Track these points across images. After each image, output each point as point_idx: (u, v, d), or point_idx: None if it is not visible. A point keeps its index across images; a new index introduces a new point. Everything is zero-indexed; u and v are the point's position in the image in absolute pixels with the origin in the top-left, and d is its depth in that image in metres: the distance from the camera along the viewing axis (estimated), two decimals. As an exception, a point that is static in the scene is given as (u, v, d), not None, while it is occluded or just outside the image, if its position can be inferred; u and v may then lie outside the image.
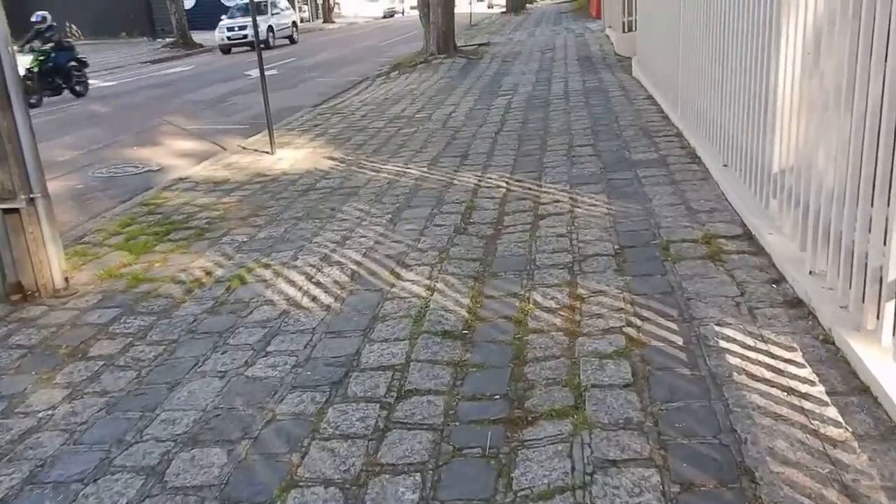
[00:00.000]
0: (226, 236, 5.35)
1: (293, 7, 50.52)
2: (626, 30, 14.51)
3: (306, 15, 53.48)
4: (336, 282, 4.25)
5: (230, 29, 27.12)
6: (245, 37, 26.12)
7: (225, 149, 9.18)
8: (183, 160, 8.80)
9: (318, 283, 4.25)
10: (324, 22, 50.95)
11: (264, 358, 3.44)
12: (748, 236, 4.26)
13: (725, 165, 5.36)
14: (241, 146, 8.90)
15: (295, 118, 10.70)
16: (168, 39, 32.15)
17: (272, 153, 8.16)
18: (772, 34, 4.07)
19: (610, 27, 17.65)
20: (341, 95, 13.26)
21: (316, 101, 12.63)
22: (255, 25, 8.45)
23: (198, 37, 34.35)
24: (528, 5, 41.54)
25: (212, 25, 42.16)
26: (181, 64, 23.75)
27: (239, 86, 15.92)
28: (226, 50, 27.18)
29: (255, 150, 8.48)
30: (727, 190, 5.00)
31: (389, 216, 5.37)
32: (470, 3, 31.38)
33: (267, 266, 4.63)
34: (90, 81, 16.71)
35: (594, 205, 5.14)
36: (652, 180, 5.57)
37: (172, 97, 14.75)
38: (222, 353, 3.54)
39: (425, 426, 2.76)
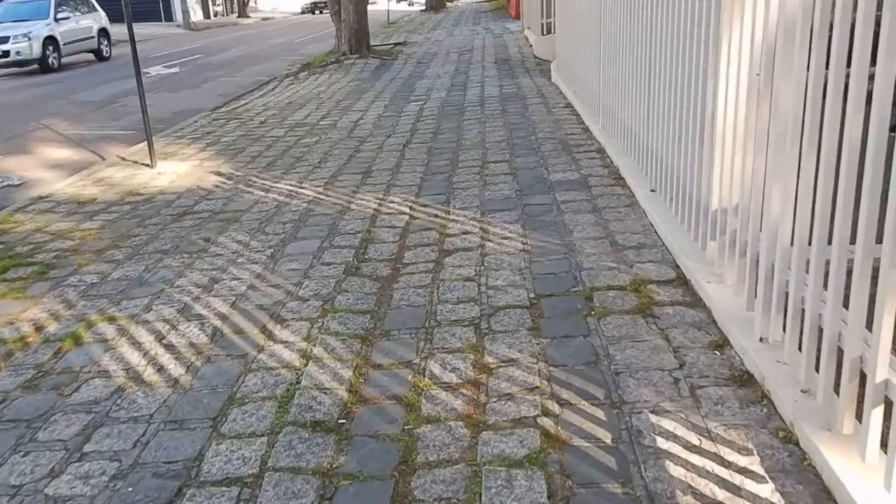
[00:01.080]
0: (73, 276, 4.47)
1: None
2: (544, 32, 14.04)
3: (220, 9, 51.60)
4: (192, 344, 3.45)
5: None
6: (6, 54, 17.22)
7: (104, 158, 8.19)
8: (52, 172, 7.77)
9: (168, 347, 3.45)
10: (238, 16, 49.20)
11: (77, 463, 2.63)
12: (682, 282, 3.66)
13: (653, 190, 4.79)
14: (121, 157, 7.92)
15: (188, 123, 9.74)
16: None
17: (153, 166, 7.24)
18: (708, 49, 3.48)
19: (529, 28, 17.17)
20: (245, 97, 12.32)
21: (216, 104, 11.66)
22: (129, 19, 7.46)
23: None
24: (447, 3, 41.00)
25: (113, 19, 40.28)
26: (77, 59, 22.12)
27: (134, 85, 14.69)
28: None
29: (136, 162, 7.54)
30: (656, 220, 4.41)
31: (271, 251, 4.58)
32: (388, 1, 30.59)
33: (112, 319, 3.79)
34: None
35: (507, 237, 4.48)
36: (572, 206, 4.95)
37: (58, 96, 13.48)
38: (24, 455, 2.71)
39: (270, 585, 2.02)
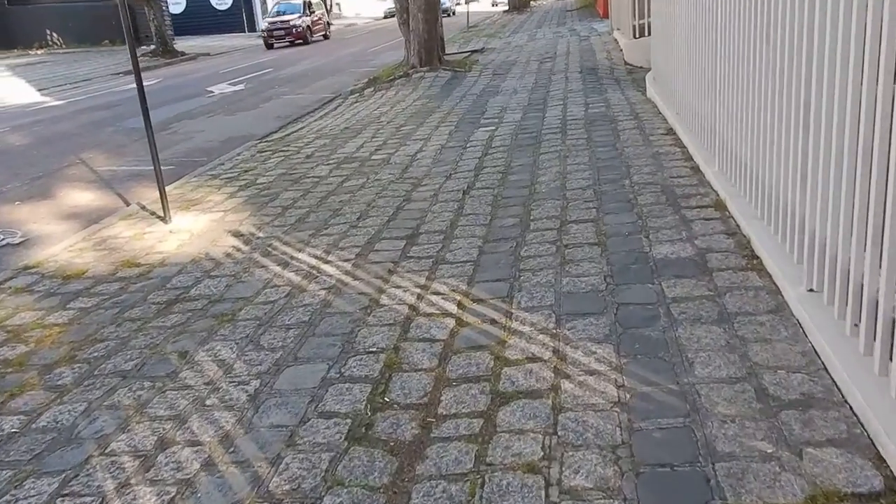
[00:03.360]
0: (-4, 415, 3.27)
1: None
2: (636, 34, 12.41)
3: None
4: None
5: None
6: None
7: (127, 204, 7.15)
8: (64, 225, 6.76)
9: None
10: (320, 23, 48.81)
11: None
12: (900, 503, 2.13)
13: (813, 291, 3.23)
14: (141, 205, 6.83)
15: (230, 157, 8.62)
16: (151, 47, 30.05)
17: (166, 221, 6.09)
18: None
19: (618, 30, 15.50)
20: (302, 119, 11.24)
21: (270, 129, 10.60)
22: (132, 47, 6.35)
23: (183, 44, 32.52)
24: (532, 3, 39.39)
25: (201, 31, 40.49)
26: (151, 76, 21.69)
27: (192, 107, 13.89)
28: None
29: (153, 214, 6.41)
30: (825, 350, 2.86)
31: (257, 383, 3.26)
32: (467, 3, 29.29)
33: (-3, 523, 2.54)
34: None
35: (594, 372, 3.02)
36: (688, 310, 3.43)
37: (109, 123, 12.71)
38: None
39: None
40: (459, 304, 3.80)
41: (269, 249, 5.08)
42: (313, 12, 30.77)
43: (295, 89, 15.38)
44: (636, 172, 5.77)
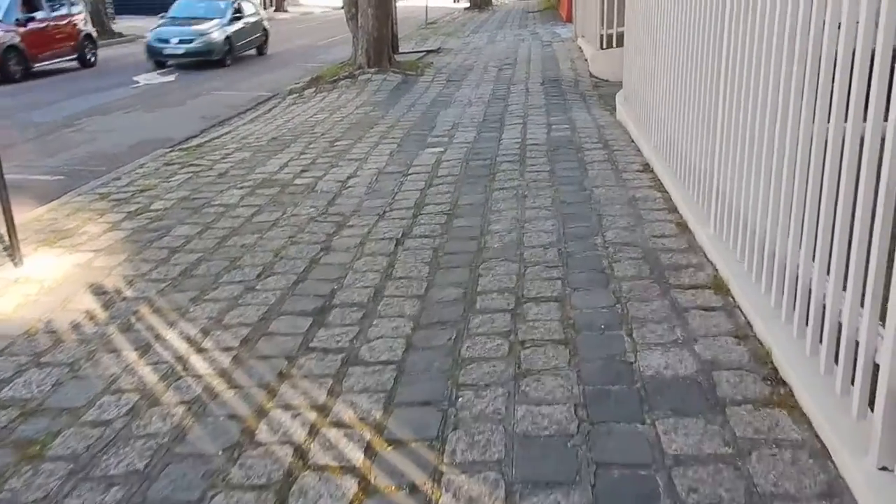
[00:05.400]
0: None
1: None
2: (604, 45, 11.40)
3: (257, 1, 49.57)
4: None
5: None
6: None
7: (-10, 229, 5.79)
8: None
9: None
10: (276, 10, 47.03)
11: None
12: None
13: (887, 469, 2.14)
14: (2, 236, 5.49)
15: (129, 170, 7.30)
16: (86, 26, 28.05)
17: (16, 264, 4.79)
18: None
19: (583, 37, 14.47)
20: (229, 122, 9.97)
21: (189, 133, 9.28)
22: None
23: (126, 23, 30.50)
24: (493, 2, 38.28)
25: (147, 10, 38.20)
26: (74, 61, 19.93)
27: (110, 99, 12.43)
28: None
29: (5, 251, 5.09)
30: None
31: None
32: (426, -1, 27.99)
33: None
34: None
35: None
36: (701, 490, 2.31)
37: (9, 114, 11.19)
38: None
39: None
40: (368, 449, 2.63)
41: (133, 320, 3.84)
42: (33, 19, 15.86)
43: (230, 84, 14.01)
44: (610, 226, 4.67)
